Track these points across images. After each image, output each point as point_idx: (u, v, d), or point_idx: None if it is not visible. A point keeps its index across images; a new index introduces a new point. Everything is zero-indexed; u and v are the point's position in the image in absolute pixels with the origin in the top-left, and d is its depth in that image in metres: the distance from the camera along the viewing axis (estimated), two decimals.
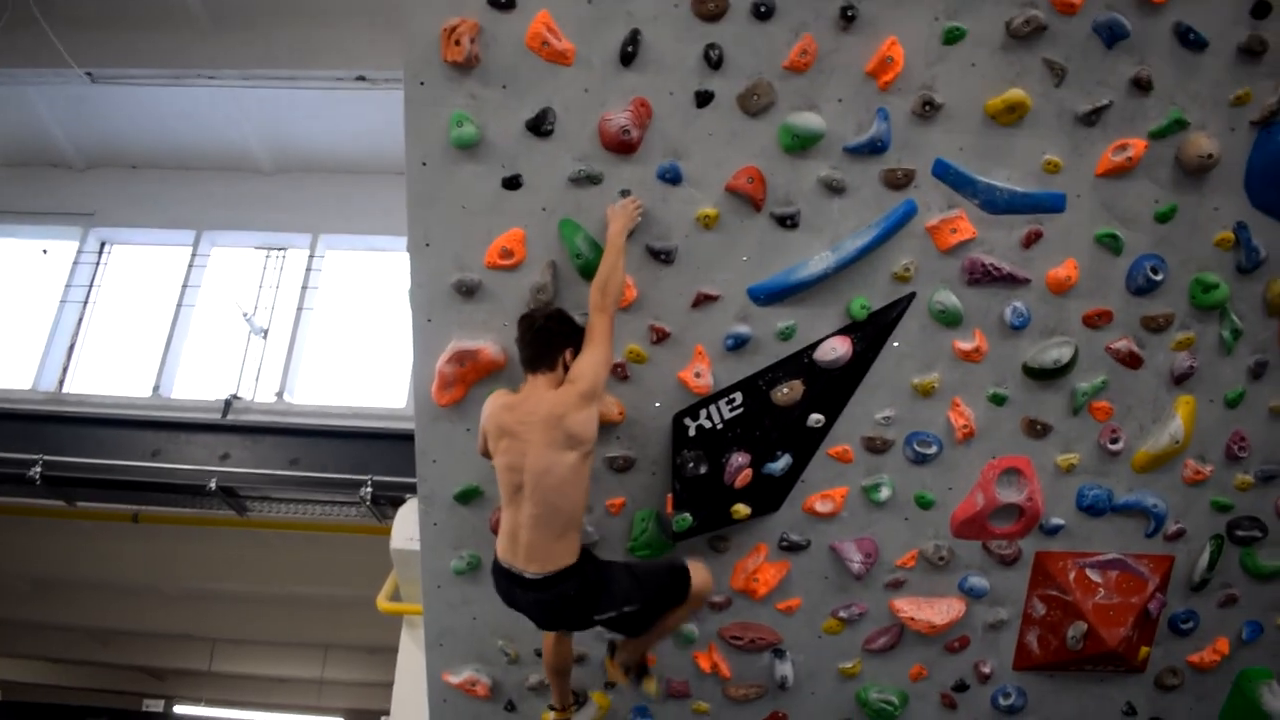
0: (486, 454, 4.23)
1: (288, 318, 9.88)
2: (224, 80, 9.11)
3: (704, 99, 4.12)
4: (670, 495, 4.62)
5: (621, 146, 4.14)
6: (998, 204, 4.32)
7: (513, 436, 4.02)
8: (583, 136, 4.17)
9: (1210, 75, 4.18)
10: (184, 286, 9.99)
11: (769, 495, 4.73)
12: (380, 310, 9.62)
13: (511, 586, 4.09)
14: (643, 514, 4.78)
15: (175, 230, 10.20)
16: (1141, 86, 4.16)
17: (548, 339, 4.09)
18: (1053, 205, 4.35)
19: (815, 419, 4.60)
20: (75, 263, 10.19)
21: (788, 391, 4.54)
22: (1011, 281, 4.44)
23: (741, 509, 4.71)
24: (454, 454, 4.70)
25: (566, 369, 4.07)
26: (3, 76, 9.23)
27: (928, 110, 4.14)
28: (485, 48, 4.03)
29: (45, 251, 10.35)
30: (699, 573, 4.35)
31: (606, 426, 4.49)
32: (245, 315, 9.69)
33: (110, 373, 9.97)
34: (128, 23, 9.01)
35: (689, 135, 4.19)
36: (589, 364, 4.01)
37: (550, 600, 4.02)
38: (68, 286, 10.12)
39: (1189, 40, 4.09)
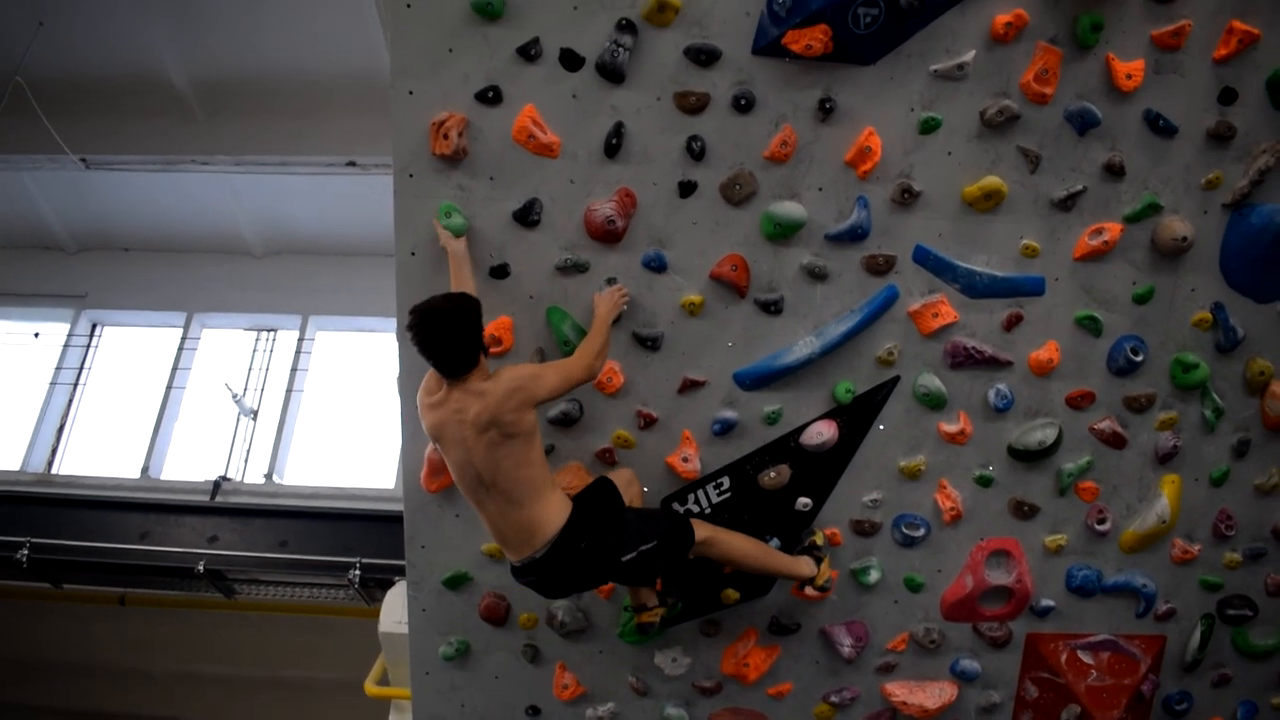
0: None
1: (277, 399, 9.89)
2: (216, 166, 9.21)
3: (687, 189, 4.20)
4: (659, 579, 4.61)
5: (607, 235, 4.21)
6: (978, 288, 4.38)
7: (445, 441, 3.86)
8: (569, 226, 4.24)
9: (1181, 160, 4.28)
10: (174, 368, 10.00)
11: (758, 579, 4.72)
12: (370, 390, 9.64)
13: (539, 577, 3.97)
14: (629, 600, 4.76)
15: (166, 312, 10.24)
16: (1114, 172, 4.25)
17: (455, 341, 3.69)
18: (1032, 289, 4.42)
19: (803, 502, 4.62)
20: (66, 344, 10.21)
21: (775, 475, 4.56)
22: (994, 364, 4.49)
23: (731, 593, 4.72)
24: (443, 540, 4.69)
25: (485, 352, 3.80)
26: None
27: (906, 198, 4.22)
28: (473, 141, 4.11)
29: (37, 335, 10.38)
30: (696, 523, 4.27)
31: None
32: (235, 396, 9.70)
33: (99, 454, 9.93)
34: (122, 110, 9.14)
35: (673, 224, 4.26)
36: (535, 366, 3.93)
37: (574, 560, 3.89)
38: (58, 368, 10.13)
39: (1159, 127, 4.19)
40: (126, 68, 8.98)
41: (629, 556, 3.97)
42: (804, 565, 4.50)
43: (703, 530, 4.22)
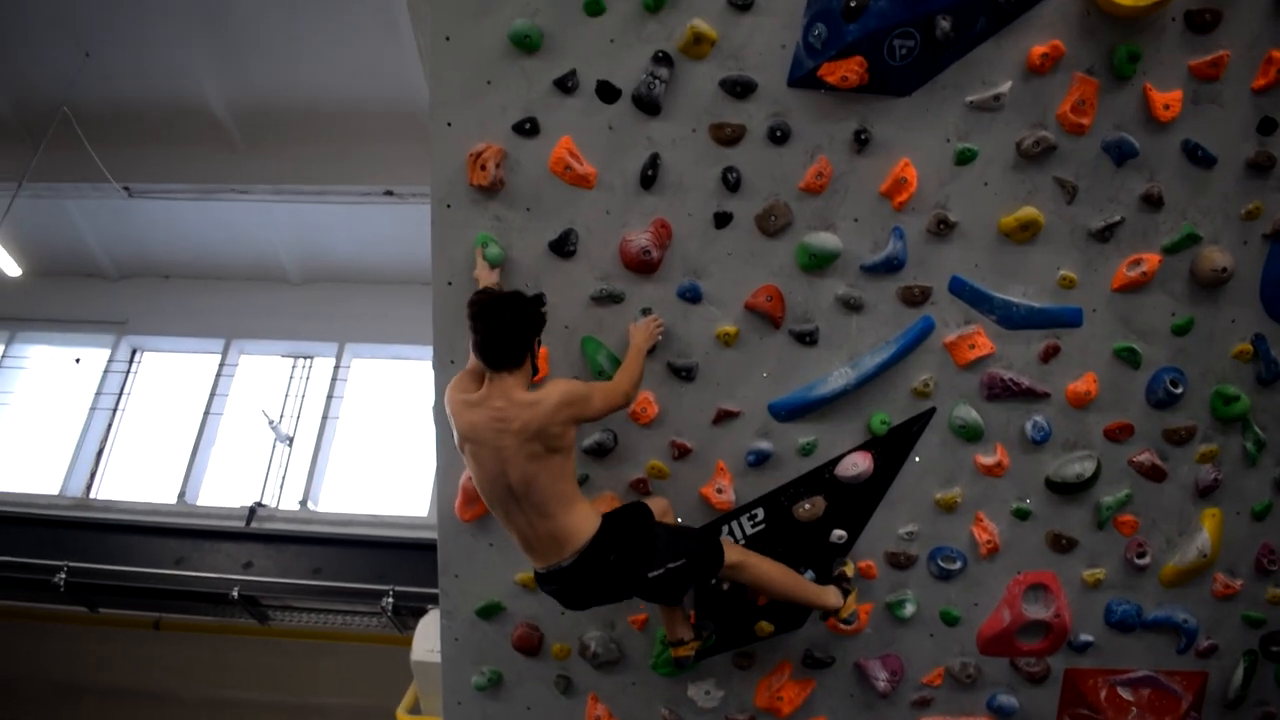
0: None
1: (313, 426, 9.98)
2: (256, 195, 9.38)
3: (723, 220, 4.21)
4: (692, 612, 4.59)
5: (642, 266, 4.23)
6: (1015, 319, 4.36)
7: (482, 444, 3.76)
8: (604, 256, 4.26)
9: (1220, 190, 4.25)
10: (212, 394, 10.13)
11: (792, 612, 4.69)
12: (405, 418, 9.70)
13: (564, 585, 3.94)
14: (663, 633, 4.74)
15: (205, 339, 10.40)
16: (1153, 202, 4.22)
17: (511, 333, 3.70)
18: (1070, 320, 4.39)
19: (838, 535, 4.59)
20: (106, 370, 10.38)
21: (810, 507, 4.54)
22: (1031, 396, 4.45)
23: (765, 626, 4.69)
24: (476, 569, 4.70)
25: (534, 363, 3.83)
26: (44, 190, 9.50)
27: (942, 229, 4.22)
28: (510, 172, 4.15)
29: (78, 360, 10.55)
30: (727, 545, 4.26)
31: None
32: (271, 423, 9.80)
33: (137, 479, 10.06)
34: (164, 139, 9.34)
35: (708, 255, 4.27)
36: (585, 386, 3.88)
37: (601, 571, 3.86)
38: (98, 394, 10.29)
39: (1198, 157, 4.17)
40: (169, 97, 9.19)
41: (656, 573, 3.94)
42: (831, 596, 4.46)
43: (733, 553, 4.20)
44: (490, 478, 3.81)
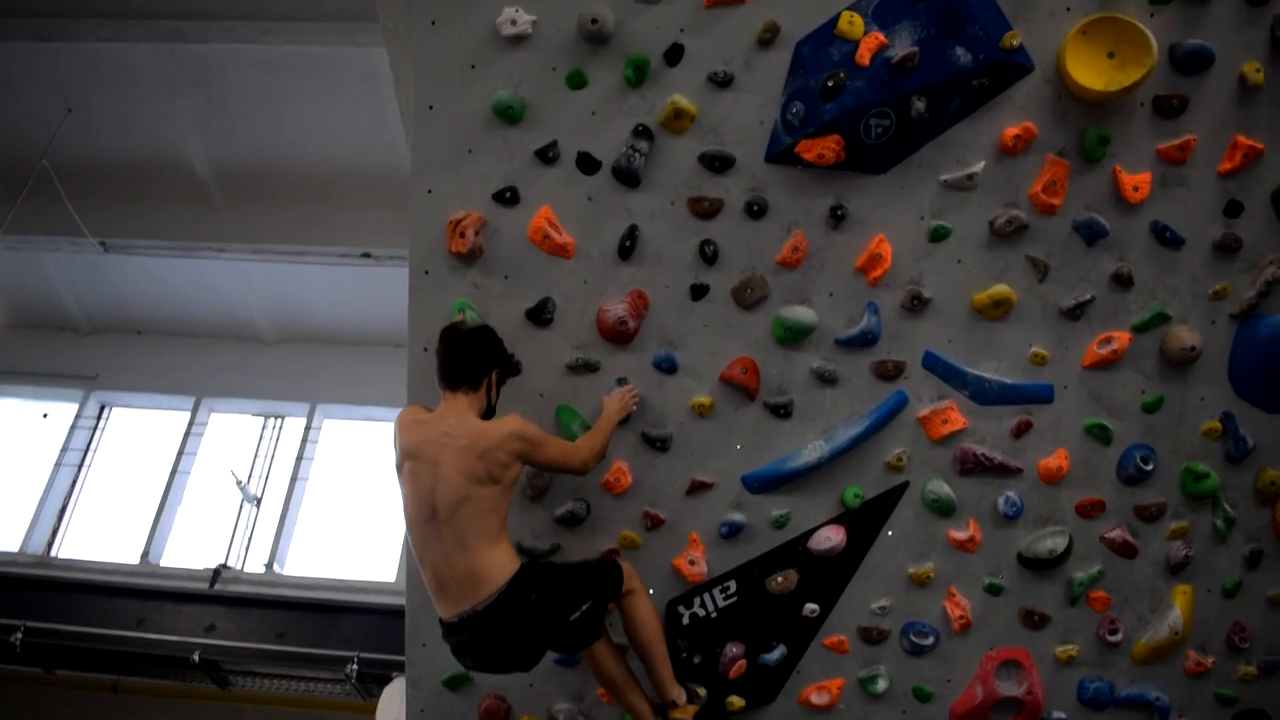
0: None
1: (282, 487, 9.86)
2: (232, 253, 9.36)
3: (699, 292, 4.24)
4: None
5: (619, 336, 4.24)
6: (987, 395, 4.39)
7: (419, 459, 3.74)
8: (581, 326, 4.27)
9: (1188, 270, 4.32)
10: (180, 453, 10.00)
11: (764, 686, 4.65)
12: (375, 481, 9.60)
13: (474, 636, 3.75)
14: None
15: (175, 395, 10.29)
16: (1122, 282, 4.29)
17: (472, 353, 3.87)
18: (1041, 396, 4.42)
19: (810, 608, 4.56)
20: (73, 426, 10.24)
21: (782, 580, 4.51)
22: (1004, 471, 4.47)
23: (736, 700, 4.63)
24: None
25: (490, 394, 3.90)
26: (19, 243, 9.45)
27: (916, 304, 4.26)
28: (489, 240, 4.17)
29: (46, 415, 10.42)
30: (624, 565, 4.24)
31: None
32: (239, 483, 9.69)
33: (100, 537, 9.88)
34: (143, 196, 9.32)
35: (684, 326, 4.29)
36: (542, 432, 3.90)
37: (520, 615, 3.71)
38: (64, 450, 10.14)
39: (1166, 238, 4.24)
40: (150, 154, 9.19)
41: (575, 615, 3.88)
42: (676, 689, 4.31)
43: (633, 581, 4.19)
44: (418, 496, 3.73)
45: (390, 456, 3.99)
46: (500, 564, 3.72)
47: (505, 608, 3.70)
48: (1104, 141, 4.09)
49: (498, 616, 3.71)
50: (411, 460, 3.78)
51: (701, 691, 4.48)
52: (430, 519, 3.72)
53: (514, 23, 3.95)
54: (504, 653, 3.90)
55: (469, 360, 3.86)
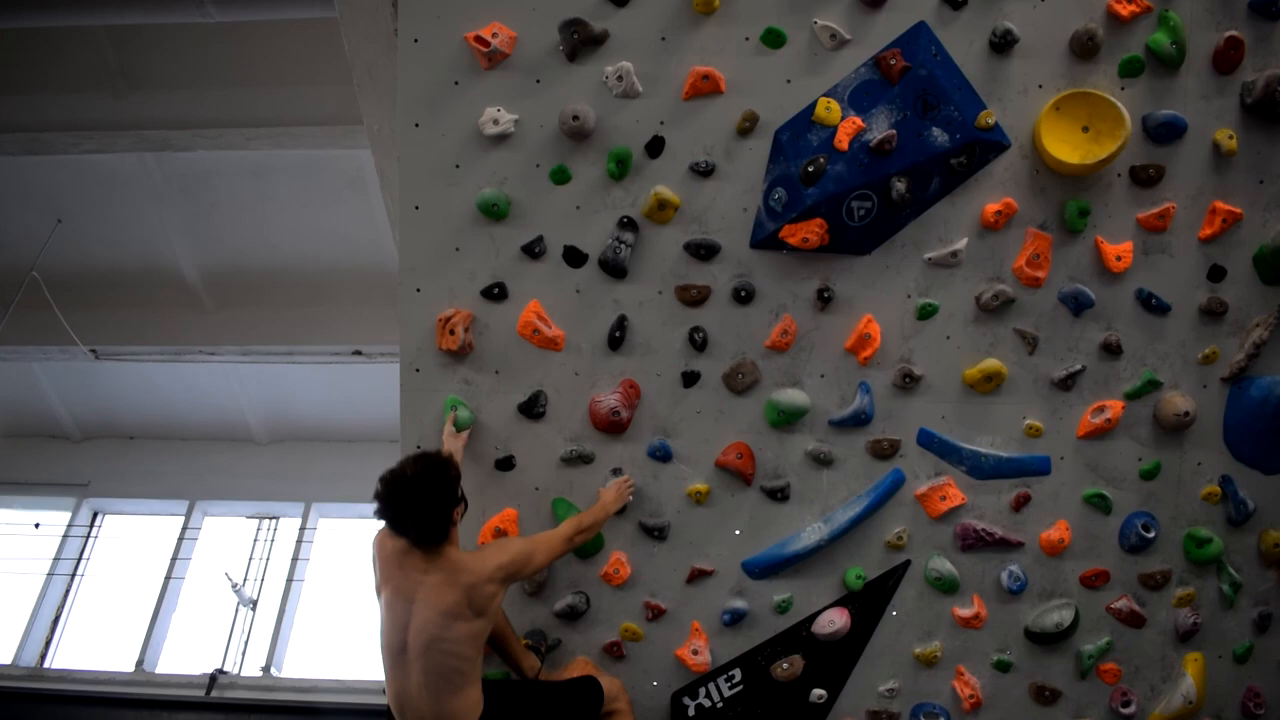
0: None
1: (278, 589, 9.74)
2: (223, 355, 9.35)
3: (691, 379, 4.26)
4: None
5: (612, 427, 4.23)
6: (984, 470, 4.38)
7: (396, 591, 3.54)
8: (574, 418, 4.28)
9: (1176, 336, 4.34)
10: (174, 558, 9.89)
11: None
12: (371, 579, 9.47)
13: None
14: None
15: (169, 500, 10.20)
16: (1112, 350, 4.31)
17: (430, 512, 3.46)
18: (1038, 469, 4.41)
19: (818, 694, 4.49)
20: (65, 535, 10.13)
21: (788, 666, 4.45)
22: (1005, 545, 4.44)
23: None
24: None
25: (456, 516, 3.58)
26: (10, 354, 9.43)
27: (908, 382, 4.27)
28: (479, 335, 4.20)
29: (38, 525, 10.31)
30: (604, 678, 4.12)
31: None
32: (235, 586, 9.55)
33: (94, 647, 9.71)
34: (133, 302, 9.33)
35: (677, 414, 4.29)
36: (525, 544, 3.72)
37: None
38: (56, 559, 10.02)
39: (1152, 305, 4.28)
40: (139, 261, 9.22)
41: None
42: None
43: (617, 702, 4.10)
44: (393, 627, 3.56)
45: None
46: (467, 710, 3.56)
47: None
48: (1084, 213, 4.15)
49: None
50: (389, 590, 3.59)
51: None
52: (402, 651, 3.55)
53: (496, 122, 4.03)
54: None
55: (429, 522, 3.49)
